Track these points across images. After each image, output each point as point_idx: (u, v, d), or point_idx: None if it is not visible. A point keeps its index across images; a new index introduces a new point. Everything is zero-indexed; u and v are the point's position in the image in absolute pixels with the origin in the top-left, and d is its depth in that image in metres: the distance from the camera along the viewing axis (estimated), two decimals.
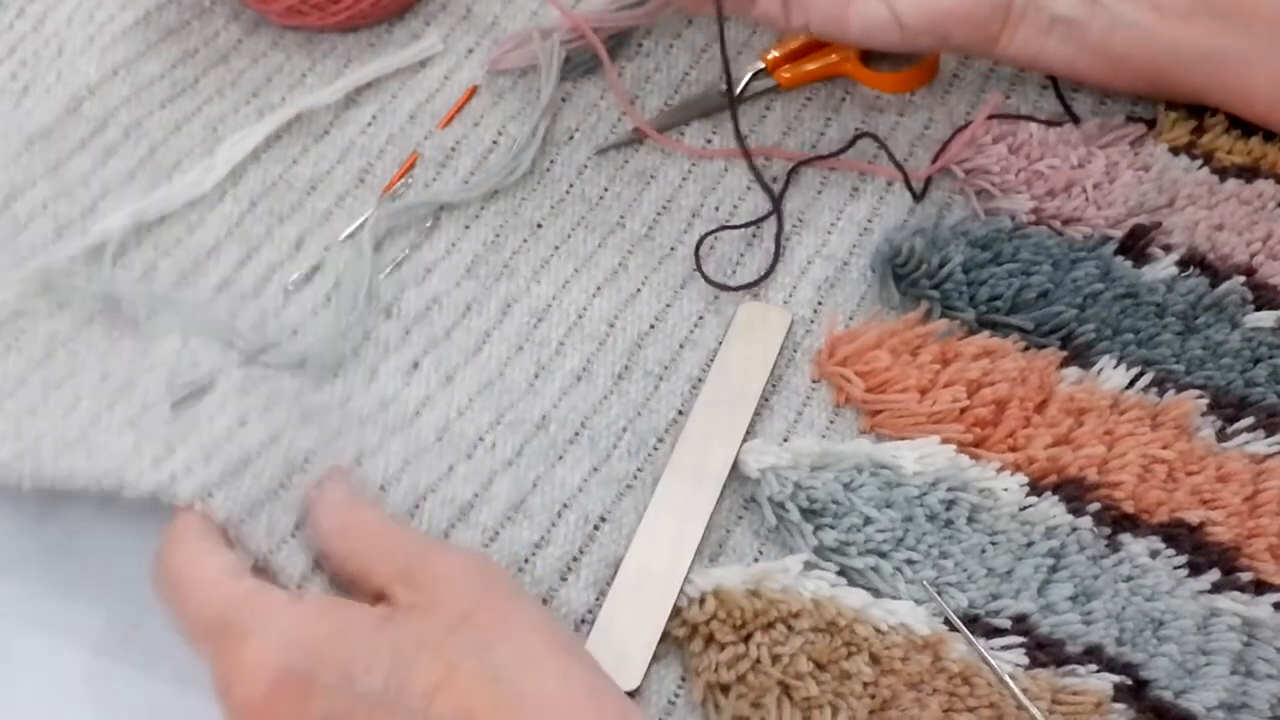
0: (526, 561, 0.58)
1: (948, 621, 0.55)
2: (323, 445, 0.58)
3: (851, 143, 0.72)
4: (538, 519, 0.59)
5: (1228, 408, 0.62)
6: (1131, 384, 0.63)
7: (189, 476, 0.54)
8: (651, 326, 0.66)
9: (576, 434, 0.62)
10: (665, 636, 0.56)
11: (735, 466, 0.60)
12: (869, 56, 0.76)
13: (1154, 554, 0.58)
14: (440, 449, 0.61)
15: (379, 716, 0.45)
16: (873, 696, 0.53)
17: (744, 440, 0.61)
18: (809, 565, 0.57)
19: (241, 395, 0.59)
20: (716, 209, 0.70)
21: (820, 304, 0.67)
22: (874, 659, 0.54)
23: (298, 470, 0.56)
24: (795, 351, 0.65)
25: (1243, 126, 0.71)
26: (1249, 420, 0.62)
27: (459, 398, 0.63)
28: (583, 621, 0.56)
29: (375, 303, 0.66)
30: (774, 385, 0.64)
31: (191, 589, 0.50)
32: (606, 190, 0.71)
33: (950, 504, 0.59)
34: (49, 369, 0.62)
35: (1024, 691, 0.53)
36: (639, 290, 0.67)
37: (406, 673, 0.45)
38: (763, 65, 0.74)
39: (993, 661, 0.54)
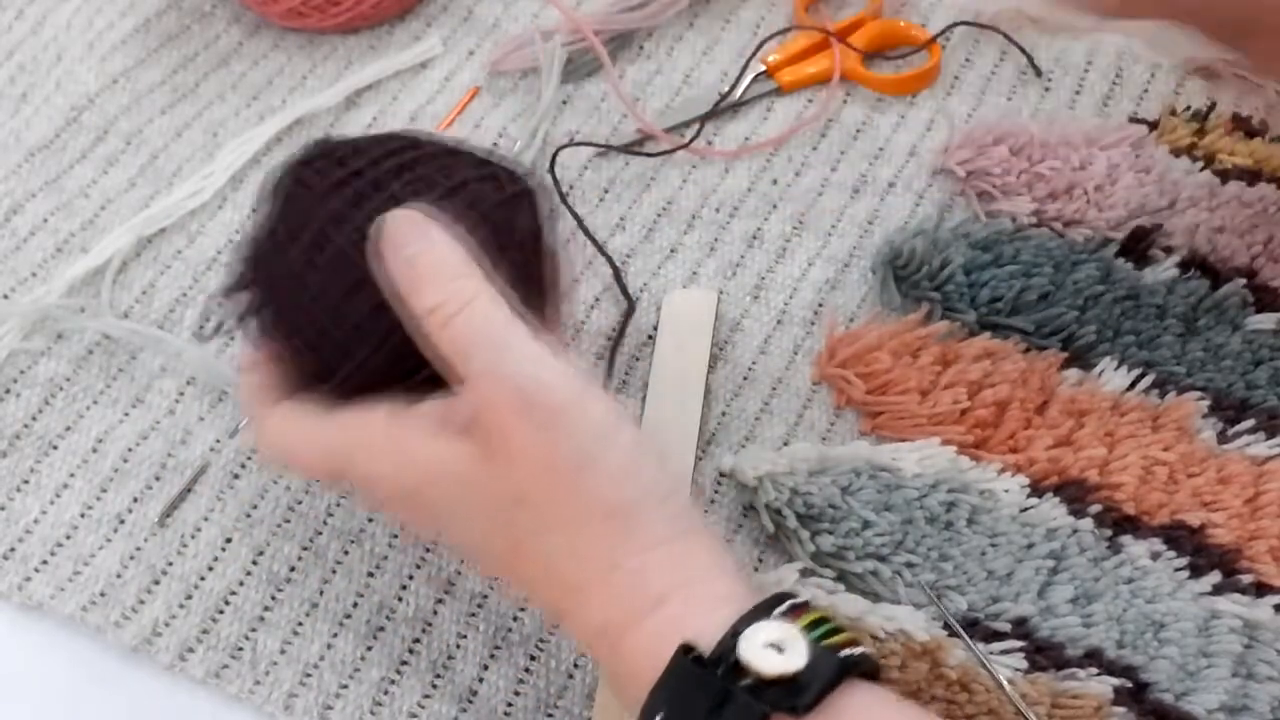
0: (515, 619, 0.58)
1: (947, 626, 0.55)
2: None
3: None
4: None
5: (1229, 410, 0.62)
6: (1132, 386, 0.63)
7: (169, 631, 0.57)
8: (649, 337, 0.66)
9: None
10: None
11: (731, 473, 0.60)
12: (870, 58, 0.76)
13: (1155, 556, 0.58)
14: None
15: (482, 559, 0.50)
16: None
17: (699, 437, 0.61)
18: (806, 572, 0.57)
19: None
20: (717, 210, 0.70)
21: (821, 305, 0.67)
22: None
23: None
24: (796, 354, 0.65)
25: (1245, 129, 0.71)
26: (1250, 422, 0.62)
27: None
28: (576, 666, 0.56)
29: None
30: (774, 388, 0.64)
31: (293, 459, 0.50)
32: (606, 192, 0.71)
33: (950, 506, 0.59)
34: (43, 423, 0.63)
35: (1023, 697, 0.53)
36: (637, 298, 0.67)
37: (490, 533, 0.47)
38: (764, 68, 0.75)
39: (991, 667, 0.54)
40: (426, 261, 0.47)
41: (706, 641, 0.43)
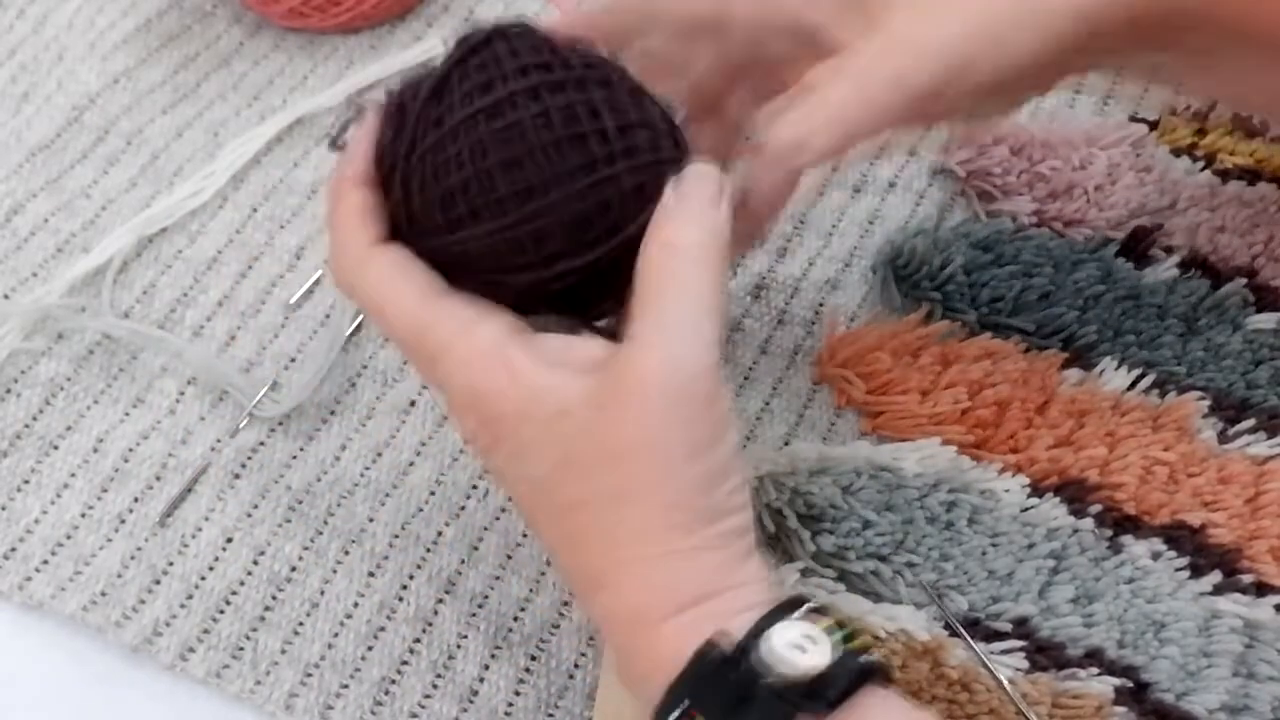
0: (516, 619, 0.58)
1: (948, 626, 0.55)
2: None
3: None
4: (525, 572, 0.59)
5: (1229, 409, 0.62)
6: (1133, 385, 0.63)
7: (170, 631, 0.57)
8: None
9: None
10: None
11: None
12: None
13: (1155, 556, 0.58)
14: (431, 509, 0.61)
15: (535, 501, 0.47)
16: None
17: None
18: (807, 572, 0.57)
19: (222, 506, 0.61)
20: None
21: (821, 305, 0.67)
22: None
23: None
24: (796, 354, 0.65)
25: (1245, 128, 0.71)
26: (1250, 422, 0.62)
27: (454, 439, 0.63)
28: (576, 666, 0.56)
29: (370, 329, 0.66)
30: (774, 388, 0.64)
31: (381, 318, 0.48)
32: None
33: (951, 506, 0.59)
34: (44, 422, 0.63)
35: (1024, 697, 0.53)
36: None
37: (562, 476, 0.45)
38: None
39: (992, 667, 0.54)
40: (696, 201, 0.46)
41: (729, 640, 0.42)
